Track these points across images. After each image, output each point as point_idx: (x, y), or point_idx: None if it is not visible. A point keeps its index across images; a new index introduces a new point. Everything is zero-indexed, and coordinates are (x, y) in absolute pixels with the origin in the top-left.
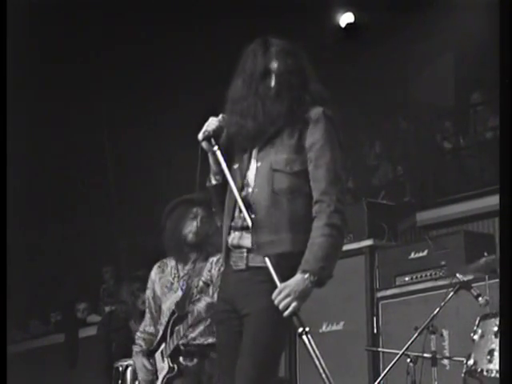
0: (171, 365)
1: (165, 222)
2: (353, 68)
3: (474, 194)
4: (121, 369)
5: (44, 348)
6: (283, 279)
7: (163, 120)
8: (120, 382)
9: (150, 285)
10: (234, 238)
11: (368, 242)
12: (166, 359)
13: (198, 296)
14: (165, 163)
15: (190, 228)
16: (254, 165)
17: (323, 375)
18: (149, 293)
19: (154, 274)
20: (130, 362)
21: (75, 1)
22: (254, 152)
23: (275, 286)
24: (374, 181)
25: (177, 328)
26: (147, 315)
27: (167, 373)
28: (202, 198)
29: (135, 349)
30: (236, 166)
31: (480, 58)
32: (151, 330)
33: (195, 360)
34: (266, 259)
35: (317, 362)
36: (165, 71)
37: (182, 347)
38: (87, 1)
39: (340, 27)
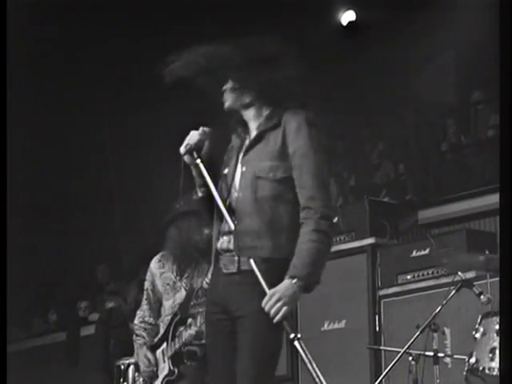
0: (172, 368)
1: (166, 230)
2: (354, 66)
3: (475, 192)
4: (122, 367)
5: (45, 346)
6: (266, 283)
7: (164, 120)
8: (122, 379)
9: (149, 277)
10: (223, 241)
11: (370, 241)
12: (166, 360)
13: (202, 299)
14: (165, 163)
15: (200, 236)
16: (239, 169)
17: (317, 380)
18: (148, 285)
19: (154, 267)
20: (131, 360)
21: (75, 1)
22: (240, 156)
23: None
24: (376, 179)
25: (179, 331)
26: (145, 306)
27: (167, 375)
28: (197, 210)
29: (138, 341)
30: (226, 171)
31: (481, 56)
32: (151, 320)
33: (198, 360)
34: (251, 261)
35: (310, 367)
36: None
37: (183, 349)
38: (86, 1)
39: (341, 25)
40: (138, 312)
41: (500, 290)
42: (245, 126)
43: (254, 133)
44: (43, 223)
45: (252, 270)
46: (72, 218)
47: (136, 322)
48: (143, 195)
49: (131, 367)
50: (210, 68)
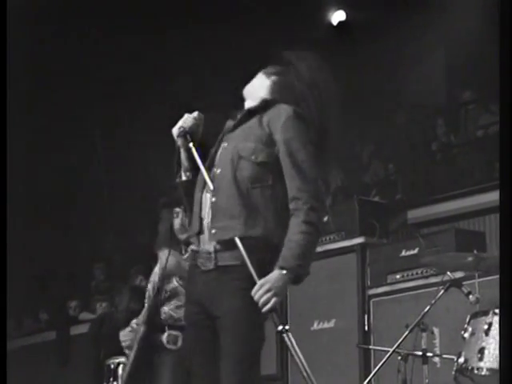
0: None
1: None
2: (344, 66)
3: (464, 191)
4: (112, 366)
5: (36, 345)
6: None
7: (157, 120)
8: (111, 379)
9: (152, 278)
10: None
11: (359, 240)
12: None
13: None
14: (158, 162)
15: (177, 226)
16: (221, 145)
17: (304, 374)
18: (150, 286)
19: (157, 268)
20: (121, 359)
21: (73, 1)
22: (226, 133)
23: (247, 283)
24: (366, 179)
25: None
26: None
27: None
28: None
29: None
30: (213, 150)
31: (471, 56)
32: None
33: (179, 343)
34: (237, 240)
35: (298, 361)
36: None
37: (166, 325)
38: (84, 2)
39: (332, 25)
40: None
41: (500, 289)
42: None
43: (243, 112)
44: (34, 223)
45: (229, 266)
46: (63, 218)
47: (135, 320)
48: (135, 195)
49: (121, 366)
50: None
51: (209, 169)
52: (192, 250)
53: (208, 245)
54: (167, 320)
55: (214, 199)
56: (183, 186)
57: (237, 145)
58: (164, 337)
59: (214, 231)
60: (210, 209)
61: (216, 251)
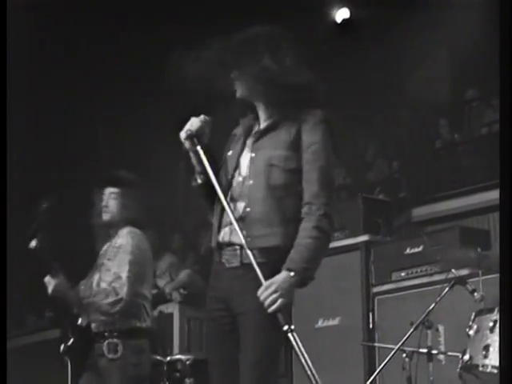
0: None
1: None
2: (348, 64)
3: (468, 189)
4: None
5: (40, 343)
6: (273, 275)
7: (156, 118)
8: None
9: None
10: (224, 234)
11: (364, 238)
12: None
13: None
14: (159, 160)
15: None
16: (247, 154)
17: (308, 372)
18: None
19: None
20: None
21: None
22: (249, 142)
23: None
24: (370, 177)
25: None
26: None
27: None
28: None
29: None
30: (230, 153)
31: (474, 54)
32: None
33: (119, 352)
34: (249, 253)
35: (302, 360)
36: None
37: (106, 333)
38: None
39: (336, 23)
40: None
41: (500, 287)
42: (254, 112)
43: (267, 120)
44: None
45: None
46: (63, 216)
47: None
48: None
49: None
50: (222, 61)
51: (231, 177)
52: (218, 244)
53: (236, 238)
54: (106, 327)
55: (248, 209)
56: (201, 189)
57: (267, 153)
58: (104, 345)
59: (249, 239)
60: (242, 217)
61: (242, 249)
